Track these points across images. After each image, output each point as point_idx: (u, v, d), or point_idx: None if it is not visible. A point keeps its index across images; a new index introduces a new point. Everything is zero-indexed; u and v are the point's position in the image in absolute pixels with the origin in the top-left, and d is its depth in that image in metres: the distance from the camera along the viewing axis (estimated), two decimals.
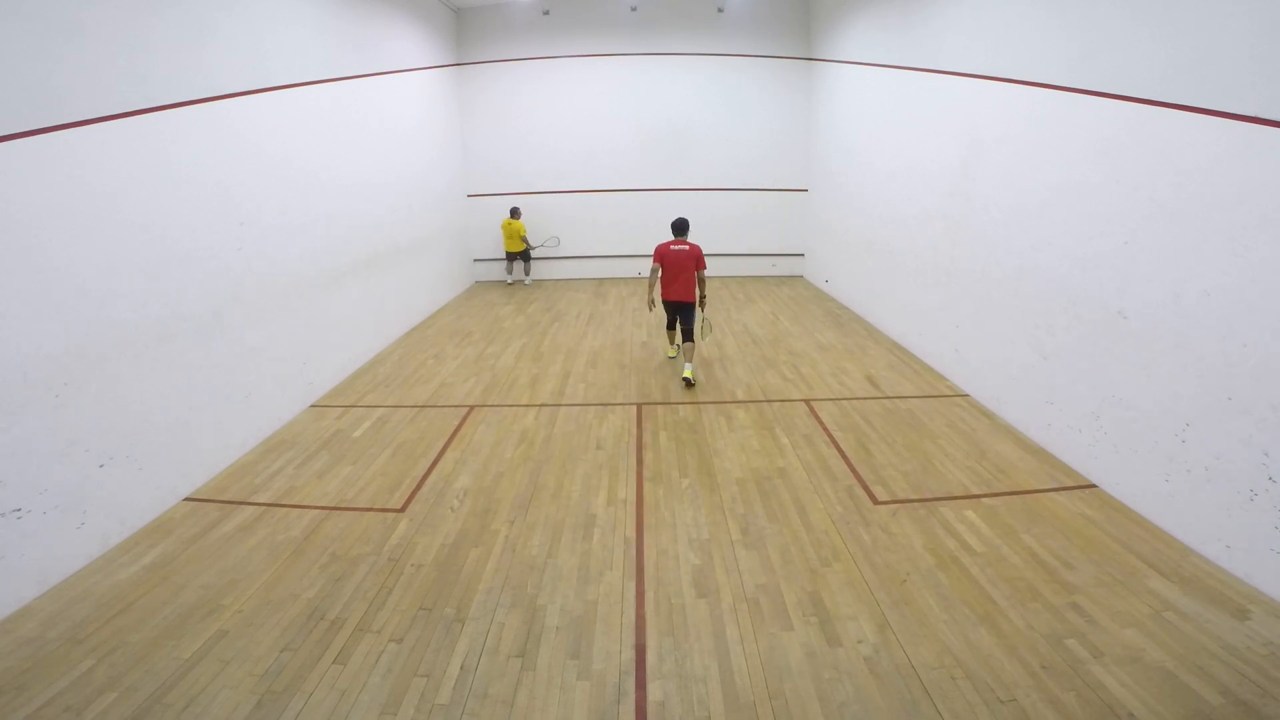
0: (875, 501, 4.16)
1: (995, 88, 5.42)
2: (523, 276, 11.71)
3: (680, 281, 6.33)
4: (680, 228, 6.45)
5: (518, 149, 11.44)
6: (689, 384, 6.26)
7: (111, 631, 3.10)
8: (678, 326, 6.60)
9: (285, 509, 4.23)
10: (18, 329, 3.30)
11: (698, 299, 6.44)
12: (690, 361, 6.33)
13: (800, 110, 11.19)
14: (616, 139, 11.41)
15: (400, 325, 8.46)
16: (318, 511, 4.19)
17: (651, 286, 6.53)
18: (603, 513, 4.11)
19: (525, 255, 11.54)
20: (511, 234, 11.25)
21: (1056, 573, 3.39)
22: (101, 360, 3.79)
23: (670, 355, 7.18)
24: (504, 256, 11.63)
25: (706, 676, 2.78)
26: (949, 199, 6.24)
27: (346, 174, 6.93)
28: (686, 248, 6.32)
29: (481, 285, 11.75)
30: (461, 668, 2.85)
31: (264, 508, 4.25)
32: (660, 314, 6.92)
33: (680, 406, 5.83)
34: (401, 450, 5.06)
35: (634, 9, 10.90)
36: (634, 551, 3.69)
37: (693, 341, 6.40)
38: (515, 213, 11.24)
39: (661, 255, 6.36)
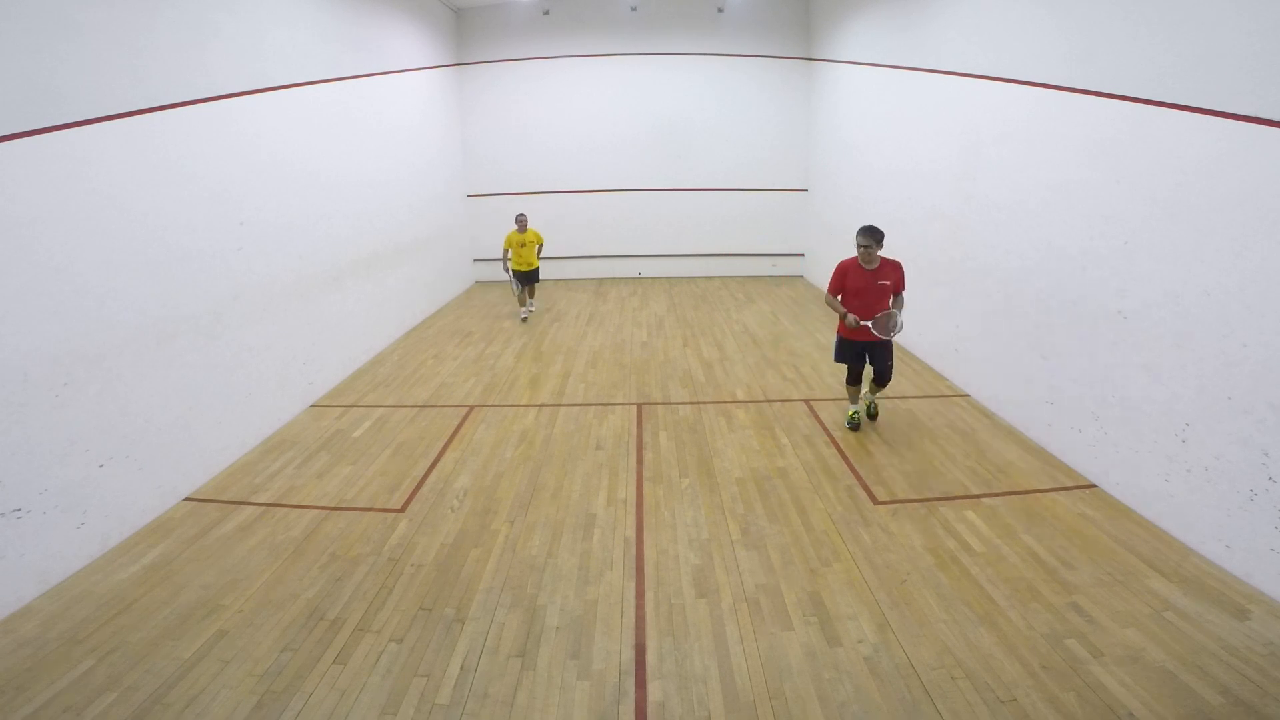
0: (875, 501, 4.16)
1: (995, 87, 5.42)
2: (530, 305, 9.35)
3: (876, 308, 4.86)
4: (873, 232, 4.79)
5: (518, 149, 11.44)
6: (864, 418, 5.25)
7: (111, 631, 3.10)
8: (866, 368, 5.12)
9: (285, 509, 4.23)
10: (18, 329, 3.30)
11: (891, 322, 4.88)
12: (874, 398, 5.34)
13: (800, 110, 11.20)
14: (616, 139, 11.41)
15: (400, 325, 8.46)
16: (318, 511, 4.18)
17: (841, 310, 4.95)
18: (603, 513, 4.11)
19: (535, 276, 9.14)
20: (526, 246, 8.86)
21: (1056, 573, 3.39)
22: (101, 360, 3.79)
23: (853, 417, 5.27)
24: (509, 275, 9.02)
25: (706, 676, 2.78)
26: (949, 199, 6.24)
27: (347, 174, 6.93)
28: (877, 265, 4.81)
29: (481, 285, 11.75)
30: (461, 668, 2.85)
31: (264, 508, 4.24)
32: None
33: (680, 406, 5.83)
34: (401, 450, 5.06)
35: (634, 9, 10.91)
36: (634, 551, 3.69)
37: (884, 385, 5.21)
38: (523, 222, 8.96)
39: (845, 277, 4.90)
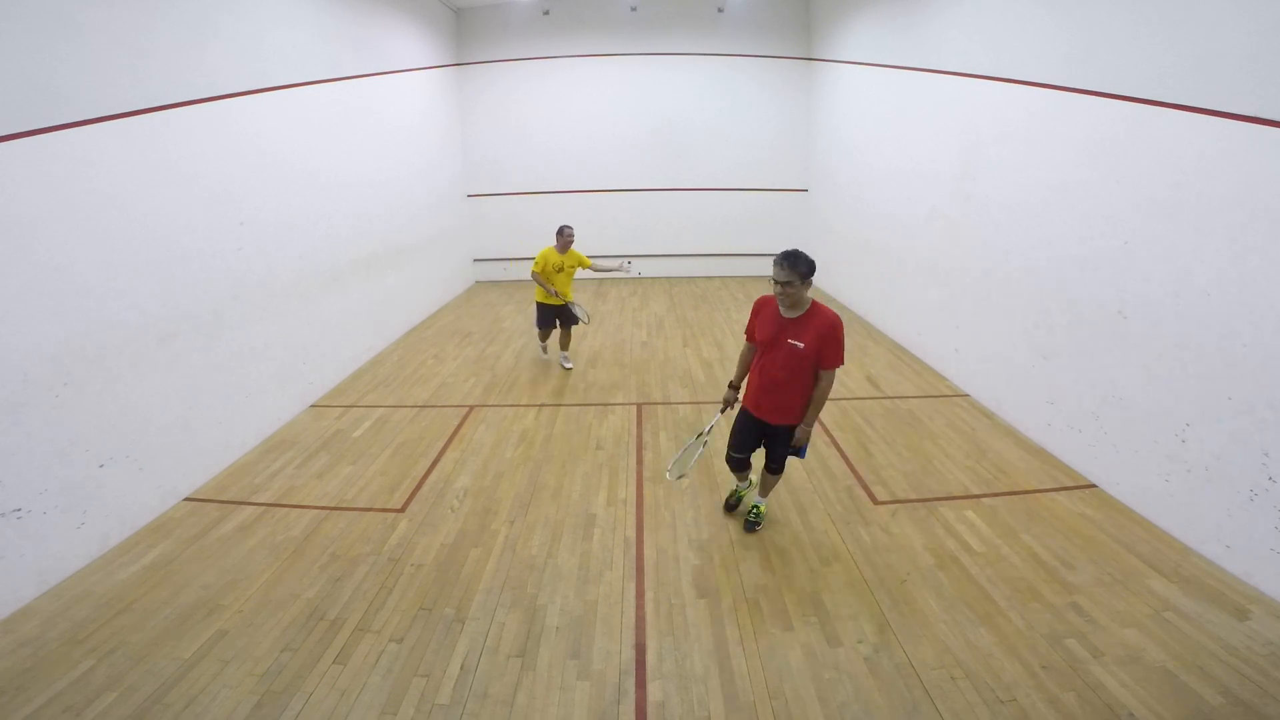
0: (875, 501, 4.16)
1: (995, 87, 5.42)
2: (563, 353, 6.94)
3: (779, 382, 3.37)
4: (792, 263, 3.13)
5: (518, 149, 11.44)
6: (753, 525, 3.81)
7: (111, 631, 3.10)
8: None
9: (285, 509, 4.23)
10: (18, 329, 3.30)
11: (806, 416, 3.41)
12: (764, 496, 3.85)
13: (800, 110, 11.19)
14: (617, 139, 11.40)
15: (400, 325, 8.46)
16: (318, 511, 4.18)
17: (740, 373, 3.69)
18: (603, 513, 4.11)
19: (570, 315, 6.59)
20: (564, 271, 6.40)
21: (1056, 573, 3.39)
22: (101, 360, 3.79)
23: (736, 496, 4.07)
24: (535, 312, 6.74)
25: (706, 676, 2.78)
26: (949, 199, 6.24)
27: (347, 174, 6.93)
28: (797, 317, 3.26)
29: (481, 285, 11.74)
30: (461, 668, 2.85)
31: (264, 508, 4.24)
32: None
33: (680, 406, 5.82)
34: (401, 450, 5.06)
35: (634, 9, 10.90)
36: (634, 551, 3.69)
37: (778, 474, 3.74)
38: (568, 237, 6.35)
39: (756, 316, 3.47)
